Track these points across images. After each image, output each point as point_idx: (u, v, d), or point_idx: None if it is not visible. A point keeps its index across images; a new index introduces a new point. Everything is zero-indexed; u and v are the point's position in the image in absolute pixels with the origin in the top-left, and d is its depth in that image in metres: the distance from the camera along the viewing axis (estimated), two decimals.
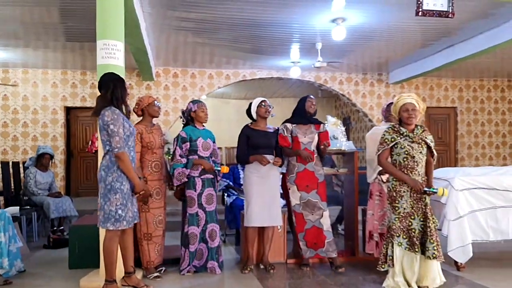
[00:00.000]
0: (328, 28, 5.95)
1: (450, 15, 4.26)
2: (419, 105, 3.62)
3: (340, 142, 4.59)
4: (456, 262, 4.15)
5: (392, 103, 4.35)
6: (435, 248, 3.48)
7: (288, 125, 4.34)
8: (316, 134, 4.34)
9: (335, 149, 4.60)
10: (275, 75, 9.14)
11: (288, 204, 5.02)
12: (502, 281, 3.83)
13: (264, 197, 4.19)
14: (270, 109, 4.32)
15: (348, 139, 5.84)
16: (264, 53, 7.58)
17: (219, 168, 4.18)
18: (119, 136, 3.24)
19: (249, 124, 4.37)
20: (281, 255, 4.53)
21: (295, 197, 4.28)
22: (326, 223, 4.25)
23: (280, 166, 4.34)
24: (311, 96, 4.46)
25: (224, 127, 10.20)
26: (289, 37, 6.67)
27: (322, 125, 4.42)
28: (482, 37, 6.43)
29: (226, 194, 5.57)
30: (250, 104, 4.40)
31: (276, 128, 4.43)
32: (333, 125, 4.66)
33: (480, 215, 4.17)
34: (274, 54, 7.66)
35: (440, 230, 4.13)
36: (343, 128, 4.78)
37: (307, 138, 4.29)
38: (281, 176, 5.10)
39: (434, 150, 3.63)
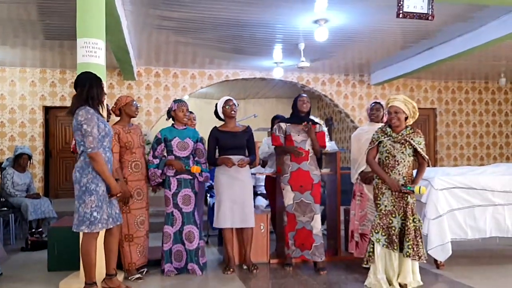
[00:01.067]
0: (311, 28, 5.98)
1: (430, 18, 4.33)
2: (407, 107, 3.65)
3: None
4: (435, 261, 4.22)
5: (375, 102, 4.44)
6: (410, 246, 3.53)
7: (282, 124, 4.32)
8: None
9: None
10: (258, 76, 9.15)
11: (271, 204, 5.05)
12: (480, 279, 3.91)
13: (234, 198, 4.17)
14: (235, 108, 4.31)
15: (331, 139, 5.88)
16: (247, 53, 7.58)
17: (189, 168, 4.06)
18: (92, 137, 3.19)
19: (217, 126, 4.34)
20: (264, 255, 4.53)
21: (289, 197, 4.22)
22: (316, 226, 4.17)
23: (250, 164, 4.29)
24: (303, 95, 4.39)
25: (207, 127, 10.12)
26: (272, 37, 6.68)
27: (318, 125, 4.36)
28: (460, 39, 6.56)
29: (209, 195, 5.54)
30: (217, 104, 4.37)
31: (246, 126, 4.40)
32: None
33: (458, 214, 4.25)
34: (257, 54, 7.66)
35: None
36: (326, 129, 4.80)
37: (301, 136, 4.23)
38: (264, 176, 5.12)
39: (421, 152, 3.64)
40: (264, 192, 5.43)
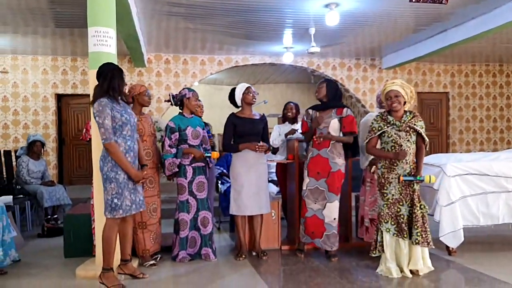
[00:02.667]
0: (322, 13, 5.91)
1: (443, 1, 4.25)
2: (405, 91, 3.61)
3: None
4: (447, 247, 4.22)
5: None
6: (419, 234, 3.54)
7: (310, 110, 4.30)
8: (336, 119, 4.12)
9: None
10: (268, 61, 9.10)
11: (282, 191, 5.08)
12: (492, 265, 3.91)
13: (252, 185, 4.19)
14: (256, 95, 4.31)
15: None
16: (256, 38, 7.53)
17: (209, 154, 4.17)
18: (104, 128, 3.25)
19: (235, 112, 4.34)
20: (275, 242, 4.57)
21: (304, 183, 4.20)
22: (328, 215, 4.06)
23: (266, 152, 4.30)
24: (320, 82, 4.28)
25: (217, 114, 10.16)
26: (282, 22, 6.62)
27: (345, 109, 4.15)
28: (474, 22, 6.44)
29: (220, 182, 5.59)
30: (233, 90, 4.35)
31: (262, 114, 4.41)
32: None
33: (471, 200, 4.23)
34: (267, 39, 7.61)
35: (432, 215, 4.20)
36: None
37: (323, 123, 4.14)
38: (275, 163, 5.13)
39: (425, 136, 3.62)
40: (275, 179, 5.46)
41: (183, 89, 4.32)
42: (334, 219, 4.08)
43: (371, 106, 9.53)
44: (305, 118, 4.32)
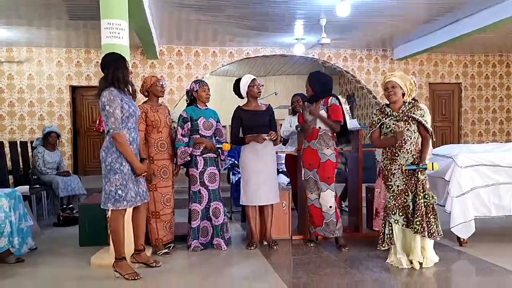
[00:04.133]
0: (333, 4, 5.89)
1: None
2: (403, 83, 3.60)
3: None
4: (458, 238, 4.23)
5: None
6: (418, 223, 3.53)
7: (306, 103, 4.35)
8: (324, 110, 4.17)
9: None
10: (279, 52, 9.10)
11: (292, 182, 5.12)
12: (503, 256, 3.90)
13: (260, 176, 4.24)
14: (261, 88, 4.33)
15: (352, 116, 5.86)
16: (268, 30, 7.53)
17: (220, 146, 4.22)
18: (114, 117, 3.25)
19: (241, 106, 4.37)
20: (286, 232, 4.62)
21: (302, 174, 4.31)
22: (324, 204, 4.14)
23: (276, 143, 4.34)
24: (310, 74, 4.35)
25: (228, 105, 10.16)
26: (293, 13, 6.62)
27: (331, 98, 4.20)
28: (486, 12, 6.36)
29: (231, 173, 5.64)
30: (237, 81, 4.37)
31: (268, 105, 4.43)
32: None
33: (483, 191, 4.21)
34: (278, 31, 7.61)
35: (443, 206, 4.20)
36: (348, 106, 4.78)
37: (310, 115, 4.23)
38: (284, 154, 5.16)
39: (426, 125, 3.59)
40: (286, 170, 5.49)
41: (191, 82, 4.35)
42: (330, 207, 4.14)
43: (382, 98, 9.47)
44: (301, 110, 4.38)
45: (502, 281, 3.34)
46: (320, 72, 4.51)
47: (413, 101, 3.72)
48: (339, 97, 4.55)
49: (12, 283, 3.44)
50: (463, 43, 8.49)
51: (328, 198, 4.15)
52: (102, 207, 3.39)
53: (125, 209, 3.39)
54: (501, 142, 9.95)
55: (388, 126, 3.66)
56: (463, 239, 4.21)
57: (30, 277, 3.57)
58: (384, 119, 3.69)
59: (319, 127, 4.19)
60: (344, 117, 4.25)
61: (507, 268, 3.57)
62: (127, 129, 3.35)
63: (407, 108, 3.62)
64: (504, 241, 4.45)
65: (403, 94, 3.65)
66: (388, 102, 3.80)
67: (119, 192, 3.29)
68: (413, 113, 3.58)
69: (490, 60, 10.12)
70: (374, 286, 3.24)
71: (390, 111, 3.67)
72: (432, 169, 3.56)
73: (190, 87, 4.32)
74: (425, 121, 3.60)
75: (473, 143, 9.90)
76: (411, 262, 3.61)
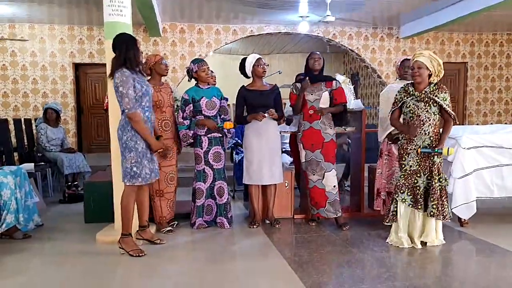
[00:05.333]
0: None
1: None
2: (432, 64, 3.54)
3: (349, 100, 4.59)
4: (459, 218, 4.26)
5: (405, 59, 4.32)
6: (434, 206, 3.57)
7: (298, 84, 4.32)
8: (327, 92, 4.22)
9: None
10: (283, 30, 8.99)
11: (295, 162, 5.14)
12: (504, 237, 3.94)
13: (263, 155, 4.26)
14: (266, 67, 4.31)
15: (356, 96, 5.83)
16: (272, 7, 7.42)
17: (221, 125, 4.21)
18: (128, 98, 3.31)
19: (245, 85, 4.36)
20: (288, 211, 4.67)
21: (302, 155, 4.32)
22: (328, 184, 4.18)
23: (278, 120, 4.33)
24: (316, 52, 4.32)
25: (232, 83, 10.12)
26: None
27: (335, 81, 4.27)
28: None
29: (234, 152, 5.67)
30: (243, 60, 4.35)
31: (274, 85, 4.42)
32: (342, 83, 4.63)
33: (485, 172, 4.22)
34: (282, 8, 7.50)
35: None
36: (352, 86, 4.76)
37: (314, 95, 4.22)
38: (288, 134, 5.17)
39: (447, 108, 3.54)
40: (289, 149, 5.51)
41: (190, 63, 4.31)
42: (334, 186, 4.20)
43: (386, 77, 9.40)
44: (294, 91, 4.32)
45: (503, 262, 3.38)
46: None
47: (439, 84, 3.65)
48: (343, 77, 4.54)
49: (20, 258, 3.52)
50: (472, 21, 8.34)
51: (332, 178, 4.20)
52: (122, 181, 3.49)
53: (139, 186, 3.48)
54: (506, 123, 9.90)
55: (408, 106, 3.63)
56: (464, 219, 4.24)
57: (37, 253, 3.65)
58: (405, 98, 3.65)
59: (321, 107, 4.20)
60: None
61: (507, 248, 3.61)
62: (141, 108, 3.41)
63: (431, 89, 3.56)
64: (504, 222, 4.49)
65: (430, 75, 3.58)
66: (403, 81, 3.78)
67: (134, 169, 3.40)
68: (436, 95, 3.54)
69: (498, 38, 9.97)
70: (374, 264, 3.29)
71: (412, 90, 3.62)
72: (448, 154, 3.57)
73: (189, 67, 4.28)
74: (447, 104, 3.54)
75: (478, 124, 9.86)
76: (412, 242, 3.66)
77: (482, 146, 4.22)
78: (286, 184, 4.63)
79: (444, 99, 3.55)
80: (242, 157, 5.43)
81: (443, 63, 3.69)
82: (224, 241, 3.92)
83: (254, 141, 4.28)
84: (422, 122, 3.58)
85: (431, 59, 3.55)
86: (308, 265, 3.26)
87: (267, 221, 4.43)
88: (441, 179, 3.63)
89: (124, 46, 3.39)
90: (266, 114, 4.18)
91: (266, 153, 4.27)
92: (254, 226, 4.30)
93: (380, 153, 4.45)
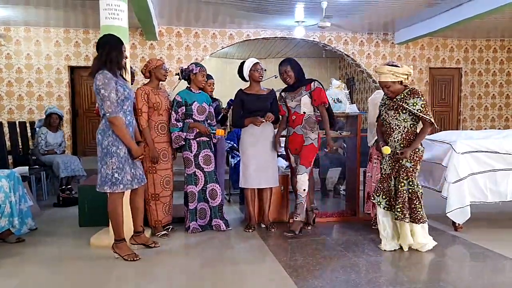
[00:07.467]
0: None
1: None
2: (395, 76, 3.52)
3: (344, 105, 4.62)
4: (454, 223, 4.28)
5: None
6: (399, 210, 3.59)
7: (283, 93, 4.35)
8: (307, 95, 4.15)
9: (339, 112, 4.63)
10: (279, 35, 9.02)
11: (290, 165, 5.14)
12: (497, 241, 3.96)
13: (259, 159, 4.27)
14: (263, 73, 4.32)
15: (352, 100, 5.86)
16: (268, 12, 7.45)
17: (214, 131, 4.25)
18: (110, 101, 3.22)
19: (243, 89, 4.37)
20: (284, 215, 4.67)
21: (292, 160, 4.37)
22: (299, 187, 4.10)
23: (274, 123, 4.34)
24: (281, 65, 4.24)
25: (228, 87, 10.16)
26: None
27: (313, 83, 4.16)
28: None
29: (230, 155, 5.67)
30: (242, 63, 4.36)
31: (271, 89, 4.43)
32: (337, 88, 4.67)
33: (480, 177, 4.25)
34: (279, 13, 7.53)
35: (440, 192, 4.25)
36: (347, 91, 4.78)
37: (294, 102, 4.21)
38: (284, 138, 5.17)
39: (420, 114, 3.50)
40: (285, 153, 5.50)
41: (191, 64, 4.33)
42: (304, 190, 4.11)
43: None
44: (280, 102, 4.35)
45: (496, 266, 3.39)
46: (293, 59, 4.41)
47: (413, 89, 3.64)
48: (338, 82, 4.55)
49: (13, 261, 3.49)
50: (466, 27, 8.42)
51: (303, 181, 4.10)
52: (98, 189, 3.38)
53: (123, 192, 3.40)
54: (499, 128, 9.98)
55: (381, 114, 3.76)
56: (459, 224, 4.26)
57: (31, 257, 3.62)
58: (381, 107, 3.78)
59: (304, 112, 4.19)
60: (328, 101, 4.20)
61: (501, 253, 3.63)
62: (123, 112, 3.33)
63: (401, 96, 3.58)
64: (498, 227, 4.51)
65: (402, 81, 3.58)
66: None
67: (116, 175, 3.30)
68: (405, 102, 3.54)
69: (492, 45, 10.06)
70: (369, 269, 3.29)
71: (386, 99, 3.73)
72: (384, 152, 3.63)
73: (189, 67, 4.29)
74: (419, 109, 3.50)
75: (472, 129, 9.92)
76: (400, 246, 3.71)
77: (476, 151, 4.24)
78: (282, 188, 4.63)
79: (414, 104, 3.51)
80: (238, 161, 5.44)
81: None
82: (219, 245, 3.91)
83: (250, 145, 4.29)
84: (392, 130, 3.65)
85: (392, 73, 3.52)
86: (303, 270, 3.26)
87: (263, 225, 4.43)
88: (410, 183, 3.61)
89: (107, 46, 3.32)
90: (263, 119, 4.19)
91: (262, 157, 4.28)
92: (250, 230, 4.29)
93: (370, 157, 4.50)
